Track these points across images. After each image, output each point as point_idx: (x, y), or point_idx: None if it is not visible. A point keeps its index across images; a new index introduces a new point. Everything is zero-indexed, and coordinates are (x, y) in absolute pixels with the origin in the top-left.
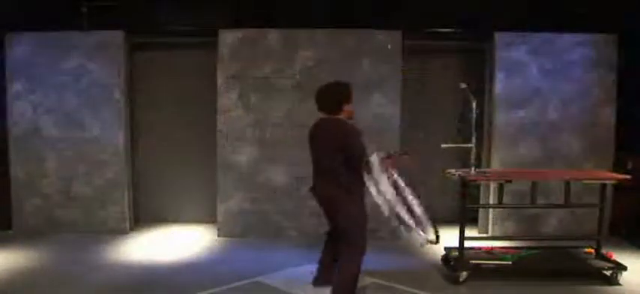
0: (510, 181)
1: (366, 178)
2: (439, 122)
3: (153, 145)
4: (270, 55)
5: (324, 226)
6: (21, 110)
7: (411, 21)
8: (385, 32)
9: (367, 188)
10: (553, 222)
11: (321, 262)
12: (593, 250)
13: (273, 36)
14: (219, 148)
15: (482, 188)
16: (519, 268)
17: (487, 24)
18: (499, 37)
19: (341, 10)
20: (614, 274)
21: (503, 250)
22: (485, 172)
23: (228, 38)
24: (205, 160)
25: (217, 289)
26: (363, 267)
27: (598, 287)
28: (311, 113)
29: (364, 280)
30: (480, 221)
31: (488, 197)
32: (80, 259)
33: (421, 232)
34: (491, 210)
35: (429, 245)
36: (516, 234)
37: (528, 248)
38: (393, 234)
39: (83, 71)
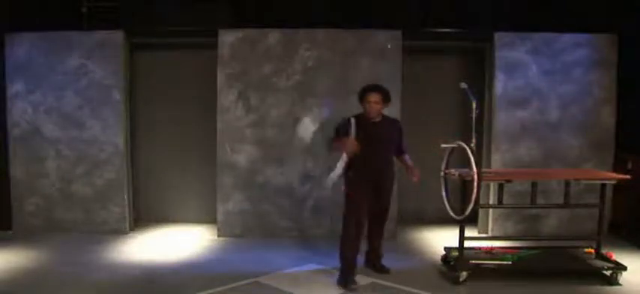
0: (510, 181)
1: None
2: (439, 122)
3: (153, 145)
4: (270, 55)
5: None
6: (21, 110)
7: (411, 21)
8: (385, 32)
9: (367, 168)
10: (553, 222)
11: (368, 247)
12: (593, 250)
13: (273, 36)
14: (219, 148)
15: (482, 188)
16: (519, 268)
17: (487, 24)
18: (499, 37)
19: (341, 10)
20: (614, 274)
21: (503, 250)
22: (485, 172)
23: (228, 38)
24: (205, 160)
25: (217, 289)
26: (361, 235)
27: (598, 287)
28: (310, 113)
29: (364, 280)
30: (480, 221)
31: (488, 197)
32: (80, 259)
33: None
34: (491, 210)
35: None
36: (516, 234)
37: (528, 248)
38: (393, 234)
39: (83, 71)
